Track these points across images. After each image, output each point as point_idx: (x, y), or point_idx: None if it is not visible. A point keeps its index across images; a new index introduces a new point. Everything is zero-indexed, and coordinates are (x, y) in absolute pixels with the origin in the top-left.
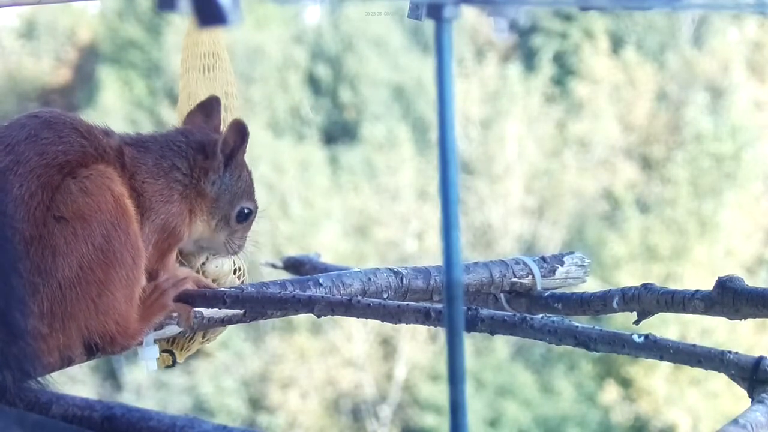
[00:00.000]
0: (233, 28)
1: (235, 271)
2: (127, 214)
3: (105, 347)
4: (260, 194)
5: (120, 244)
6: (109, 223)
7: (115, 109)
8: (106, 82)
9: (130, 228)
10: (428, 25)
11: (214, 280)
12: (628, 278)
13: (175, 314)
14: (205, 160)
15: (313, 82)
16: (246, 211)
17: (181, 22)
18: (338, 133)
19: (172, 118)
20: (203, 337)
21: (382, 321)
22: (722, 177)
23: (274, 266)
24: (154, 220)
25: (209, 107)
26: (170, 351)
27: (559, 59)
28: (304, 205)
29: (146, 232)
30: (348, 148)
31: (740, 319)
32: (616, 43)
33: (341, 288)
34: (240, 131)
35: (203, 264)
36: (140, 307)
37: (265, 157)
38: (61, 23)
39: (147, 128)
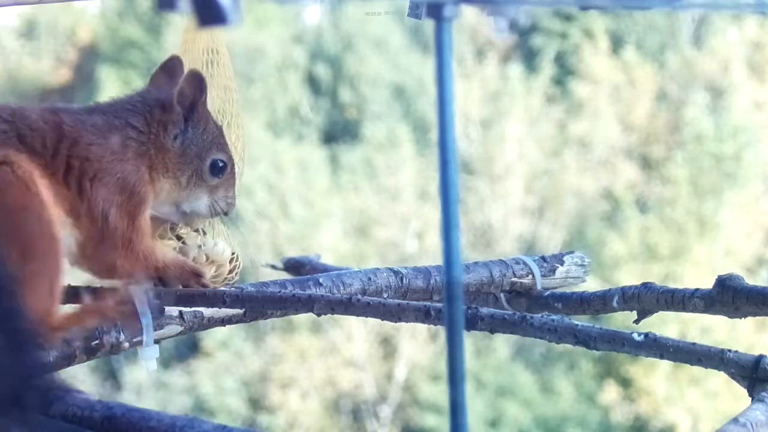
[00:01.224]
0: (233, 28)
1: (231, 260)
2: (37, 200)
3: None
4: (260, 194)
5: (31, 232)
6: (16, 210)
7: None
8: (106, 82)
9: (41, 215)
10: (428, 25)
11: (213, 262)
12: (628, 278)
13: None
14: (163, 113)
15: (313, 82)
16: (220, 163)
17: (181, 22)
18: (338, 133)
19: None
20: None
21: (382, 320)
22: (722, 177)
23: (274, 267)
24: (108, 181)
25: (171, 68)
26: None
27: (559, 59)
28: (304, 205)
29: (103, 195)
30: (348, 148)
31: (740, 318)
32: (616, 43)
33: (341, 288)
34: (196, 82)
35: (200, 247)
36: (82, 306)
37: (265, 157)
38: (61, 23)
39: None
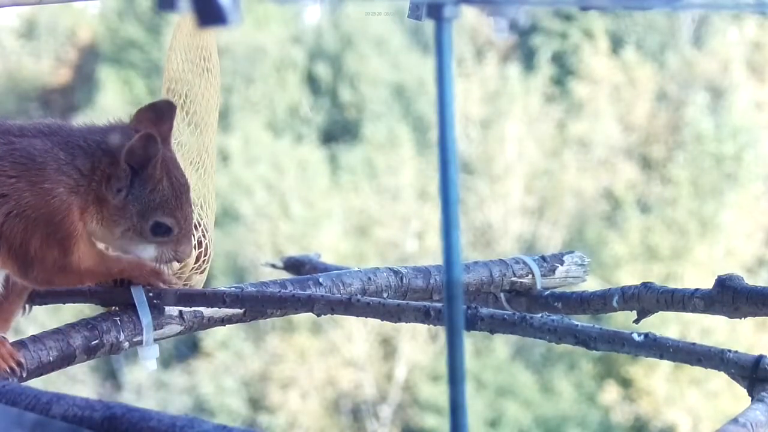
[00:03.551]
0: (233, 28)
1: (196, 246)
2: None
3: None
4: (260, 194)
5: None
6: None
7: (115, 109)
8: (106, 82)
9: None
10: (428, 25)
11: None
12: (629, 278)
13: None
14: (109, 166)
15: (313, 82)
16: (164, 226)
17: (181, 22)
18: (338, 132)
19: None
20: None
21: (382, 320)
22: (723, 177)
23: (274, 266)
24: (29, 215)
25: (161, 110)
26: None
27: (558, 59)
28: (304, 205)
29: (21, 228)
30: (348, 147)
31: (740, 318)
32: (616, 43)
33: (341, 287)
34: (149, 143)
35: None
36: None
37: (265, 157)
38: (61, 23)
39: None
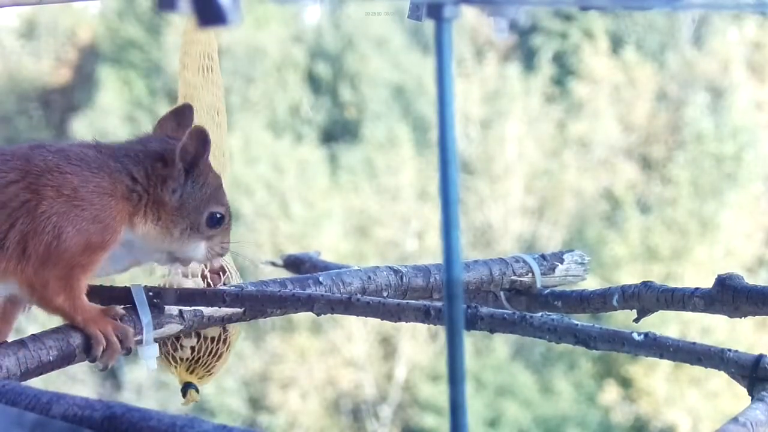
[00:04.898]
0: (233, 28)
1: (221, 273)
2: None
3: None
4: (260, 194)
5: None
6: None
7: (115, 108)
8: (106, 82)
9: None
10: (428, 25)
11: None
12: (629, 278)
13: None
14: (164, 168)
15: (313, 82)
16: (218, 215)
17: (181, 22)
18: (338, 132)
19: None
20: (215, 355)
21: (382, 319)
22: (723, 177)
23: (274, 264)
24: (83, 208)
25: (181, 115)
26: (190, 384)
27: (559, 59)
28: (304, 205)
29: (68, 216)
30: (348, 147)
31: (740, 317)
32: (616, 43)
33: (341, 286)
34: (201, 139)
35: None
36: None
37: (265, 157)
38: (61, 23)
39: (147, 128)
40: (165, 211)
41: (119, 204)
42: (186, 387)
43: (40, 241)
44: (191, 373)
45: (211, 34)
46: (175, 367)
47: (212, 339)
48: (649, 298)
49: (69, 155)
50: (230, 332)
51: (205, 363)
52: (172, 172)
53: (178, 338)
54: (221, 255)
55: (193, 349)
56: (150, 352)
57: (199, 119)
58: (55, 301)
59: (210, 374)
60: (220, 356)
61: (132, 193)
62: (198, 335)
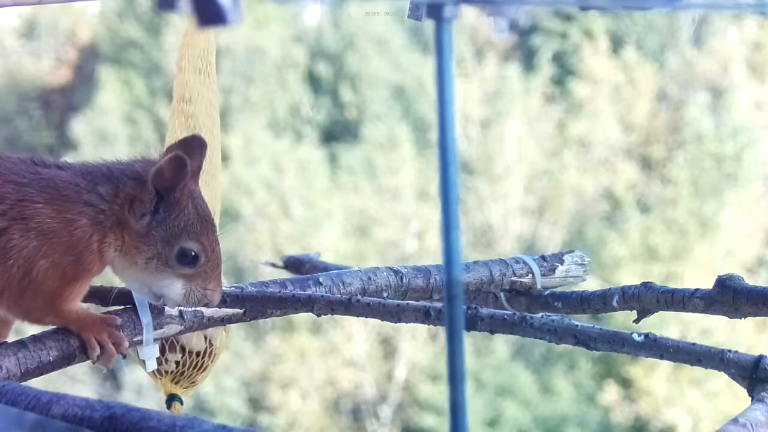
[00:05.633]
0: (233, 28)
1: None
2: None
3: None
4: (260, 194)
5: None
6: None
7: (115, 109)
8: (106, 82)
9: None
10: (428, 25)
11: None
12: (629, 278)
13: None
14: (135, 188)
15: (313, 82)
16: (191, 253)
17: (181, 22)
18: (338, 132)
19: None
20: (199, 368)
21: (382, 320)
22: (723, 177)
23: (274, 265)
24: (50, 239)
25: (191, 146)
26: (174, 395)
27: (558, 59)
28: (304, 205)
29: (34, 249)
30: (348, 147)
31: (740, 318)
32: (616, 43)
33: (341, 287)
34: (178, 166)
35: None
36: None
37: (265, 157)
38: (61, 23)
39: (147, 128)
40: (129, 235)
41: (93, 230)
42: (170, 399)
43: (13, 276)
44: (175, 384)
45: (210, 35)
46: (159, 379)
47: (197, 353)
48: (649, 298)
49: (41, 183)
50: (216, 345)
51: (190, 375)
52: (142, 194)
53: (163, 352)
54: (203, 302)
55: (177, 363)
56: (150, 352)
57: (196, 121)
58: (43, 321)
59: (194, 384)
60: (204, 369)
61: (99, 214)
62: (183, 349)
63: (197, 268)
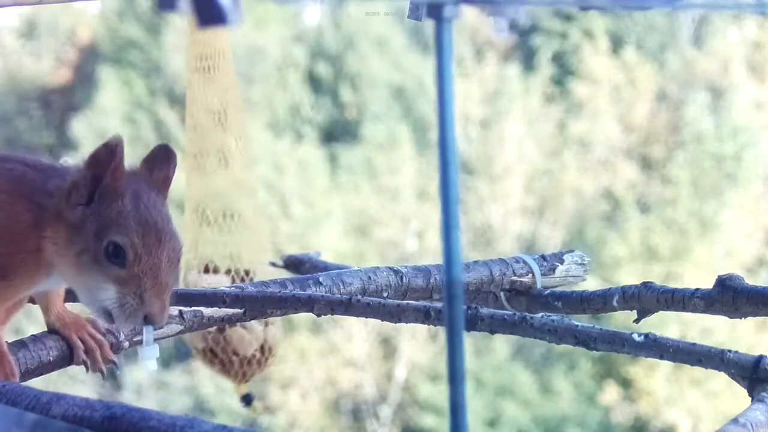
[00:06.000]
0: (233, 28)
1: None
2: None
3: None
4: (260, 194)
5: None
6: None
7: (115, 109)
8: (106, 82)
9: None
10: (428, 25)
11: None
12: (629, 278)
13: None
14: (74, 177)
15: (314, 82)
16: (120, 249)
17: (181, 22)
18: (338, 132)
19: (172, 118)
20: (263, 357)
21: (382, 320)
22: (723, 177)
23: (274, 265)
24: None
25: (156, 156)
26: (249, 395)
27: (558, 59)
28: (304, 205)
29: None
30: (348, 147)
31: (740, 318)
32: (616, 43)
33: (341, 287)
34: (113, 149)
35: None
36: None
37: (265, 157)
38: (61, 23)
39: (147, 128)
40: (65, 228)
41: (33, 224)
42: (247, 399)
43: None
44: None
45: (216, 35)
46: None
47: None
48: (649, 298)
49: None
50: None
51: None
52: (79, 182)
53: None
54: (140, 316)
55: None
56: (150, 352)
57: (199, 120)
58: None
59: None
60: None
61: (42, 208)
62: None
63: (128, 270)
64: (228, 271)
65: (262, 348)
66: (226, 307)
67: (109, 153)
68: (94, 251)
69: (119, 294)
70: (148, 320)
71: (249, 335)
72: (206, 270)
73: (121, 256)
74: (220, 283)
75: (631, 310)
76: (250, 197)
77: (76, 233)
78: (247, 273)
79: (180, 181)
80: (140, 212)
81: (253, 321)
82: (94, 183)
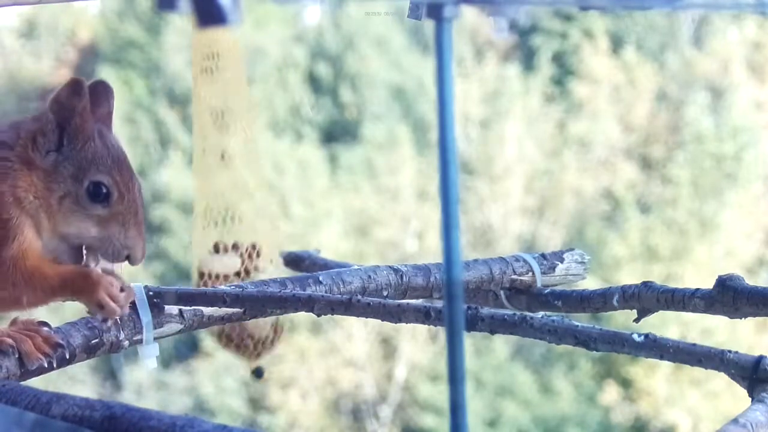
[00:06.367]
0: (233, 28)
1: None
2: None
3: None
4: (260, 194)
5: None
6: None
7: (115, 108)
8: None
9: None
10: (428, 25)
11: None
12: (629, 278)
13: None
14: (34, 124)
15: (314, 82)
16: (101, 188)
17: (181, 22)
18: (338, 132)
19: (172, 118)
20: (275, 336)
21: (382, 320)
22: (723, 177)
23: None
24: None
25: (96, 93)
26: (260, 369)
27: (558, 59)
28: (304, 205)
29: None
30: (348, 147)
31: (740, 318)
32: (616, 43)
33: (341, 286)
34: (74, 89)
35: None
36: None
37: (265, 157)
38: (61, 23)
39: (147, 128)
40: (39, 177)
41: (3, 181)
42: (258, 372)
43: None
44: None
45: (217, 34)
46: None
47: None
48: (649, 298)
49: None
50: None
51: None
52: (43, 127)
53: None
54: (124, 255)
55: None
56: (150, 351)
57: (201, 120)
58: (23, 295)
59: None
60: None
61: (5, 162)
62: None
63: (111, 208)
64: (235, 247)
65: (274, 328)
66: (226, 306)
67: (74, 94)
68: (75, 194)
69: (104, 233)
70: (130, 258)
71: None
72: (216, 250)
73: (103, 196)
74: (231, 263)
75: (631, 309)
76: (253, 197)
77: (52, 180)
78: (254, 247)
79: (183, 181)
80: (111, 150)
81: None
82: (60, 128)
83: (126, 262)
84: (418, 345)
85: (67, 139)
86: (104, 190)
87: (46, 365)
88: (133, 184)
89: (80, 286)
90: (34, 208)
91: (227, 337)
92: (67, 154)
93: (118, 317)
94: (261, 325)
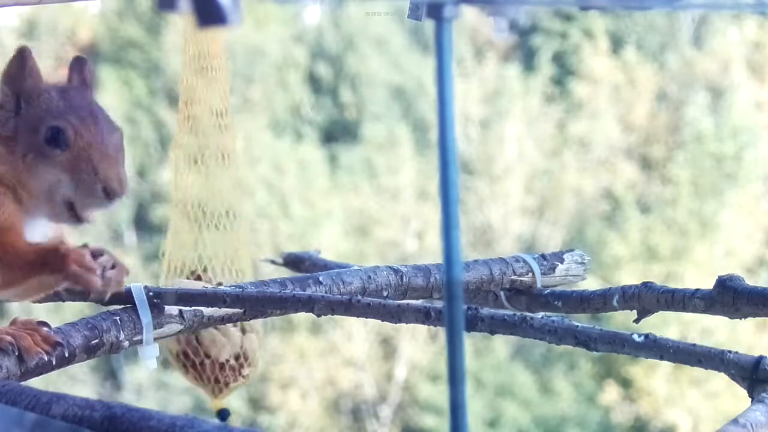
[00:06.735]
0: (233, 28)
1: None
2: None
3: None
4: (260, 194)
5: None
6: None
7: (115, 108)
8: (106, 82)
9: None
10: (428, 25)
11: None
12: (629, 278)
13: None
14: None
15: (314, 82)
16: (55, 130)
17: (181, 22)
18: (338, 132)
19: (172, 118)
20: (237, 365)
21: (382, 320)
22: (723, 177)
23: (273, 262)
24: None
25: (70, 67)
26: (224, 411)
27: (558, 59)
28: (304, 205)
29: None
30: (348, 147)
31: (740, 318)
32: (616, 43)
33: (341, 286)
34: (21, 57)
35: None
36: None
37: (265, 157)
38: (61, 23)
39: (147, 128)
40: (6, 147)
41: None
42: (223, 415)
43: None
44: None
45: (214, 34)
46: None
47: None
48: (649, 298)
49: None
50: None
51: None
52: (1, 102)
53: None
54: (100, 191)
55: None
56: (150, 351)
57: (203, 121)
58: (10, 269)
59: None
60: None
61: None
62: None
63: (72, 150)
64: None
65: (237, 356)
66: (226, 306)
67: (20, 60)
68: (36, 146)
69: (72, 176)
70: (108, 192)
71: (223, 338)
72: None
73: (61, 139)
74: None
75: (631, 309)
76: (245, 197)
77: (16, 143)
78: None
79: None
80: (69, 98)
81: (230, 325)
82: (15, 95)
83: (110, 203)
84: (418, 345)
85: (24, 102)
86: (60, 134)
87: (45, 359)
88: (96, 124)
89: (52, 261)
90: (8, 179)
91: (185, 355)
92: (25, 116)
93: (101, 288)
94: (219, 344)
